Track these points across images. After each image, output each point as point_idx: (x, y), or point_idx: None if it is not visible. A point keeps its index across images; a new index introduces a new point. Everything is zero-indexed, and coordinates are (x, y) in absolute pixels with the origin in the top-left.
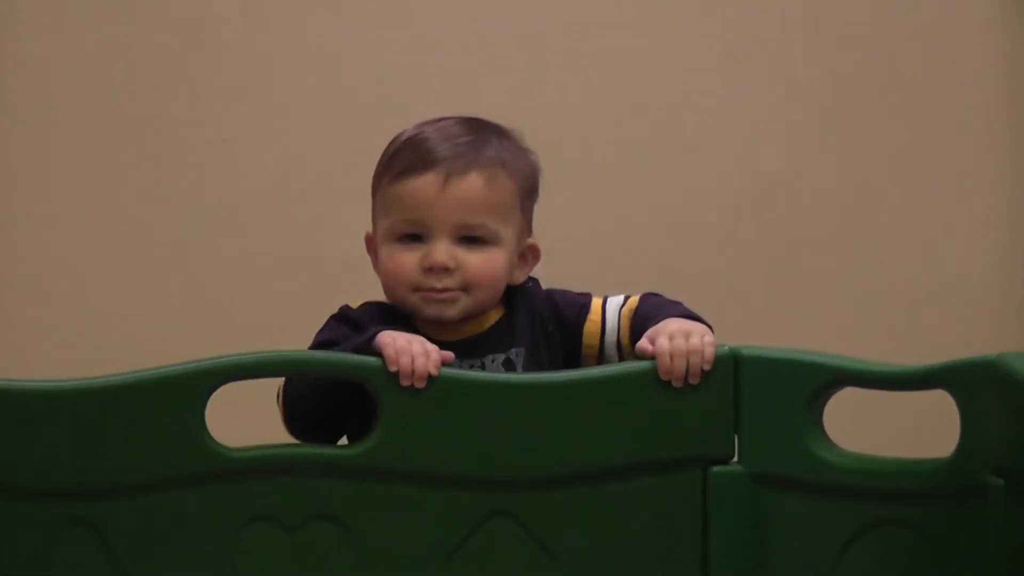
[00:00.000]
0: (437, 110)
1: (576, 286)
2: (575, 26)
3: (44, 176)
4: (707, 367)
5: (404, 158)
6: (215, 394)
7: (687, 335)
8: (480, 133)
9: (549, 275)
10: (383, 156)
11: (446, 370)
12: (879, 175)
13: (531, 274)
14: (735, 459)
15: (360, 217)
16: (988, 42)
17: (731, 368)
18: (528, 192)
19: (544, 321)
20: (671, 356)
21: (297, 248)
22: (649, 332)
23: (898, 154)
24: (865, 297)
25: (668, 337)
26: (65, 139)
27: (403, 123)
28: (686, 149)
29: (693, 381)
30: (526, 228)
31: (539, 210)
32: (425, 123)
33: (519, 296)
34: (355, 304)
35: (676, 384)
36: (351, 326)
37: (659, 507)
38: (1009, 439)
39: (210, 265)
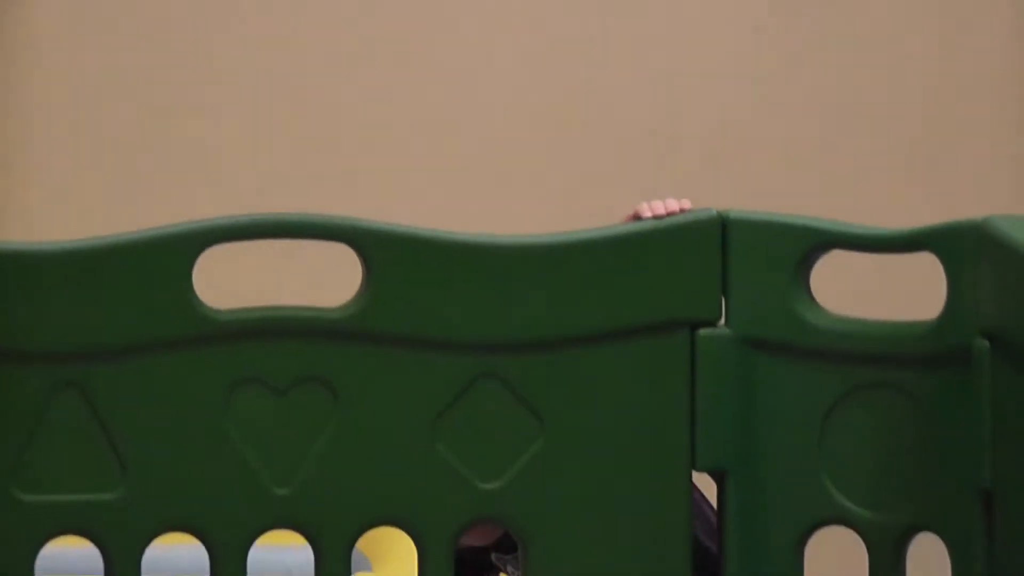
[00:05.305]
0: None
1: None
2: None
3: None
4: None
5: None
6: (205, 258)
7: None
8: None
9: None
10: None
11: (432, 232)
12: None
13: None
14: (722, 322)
15: None
16: None
17: (718, 232)
18: None
19: None
20: (651, 207)
21: None
22: None
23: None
24: None
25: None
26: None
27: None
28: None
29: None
30: None
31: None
32: None
33: None
34: None
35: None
36: None
37: (646, 369)
38: (995, 301)
39: None
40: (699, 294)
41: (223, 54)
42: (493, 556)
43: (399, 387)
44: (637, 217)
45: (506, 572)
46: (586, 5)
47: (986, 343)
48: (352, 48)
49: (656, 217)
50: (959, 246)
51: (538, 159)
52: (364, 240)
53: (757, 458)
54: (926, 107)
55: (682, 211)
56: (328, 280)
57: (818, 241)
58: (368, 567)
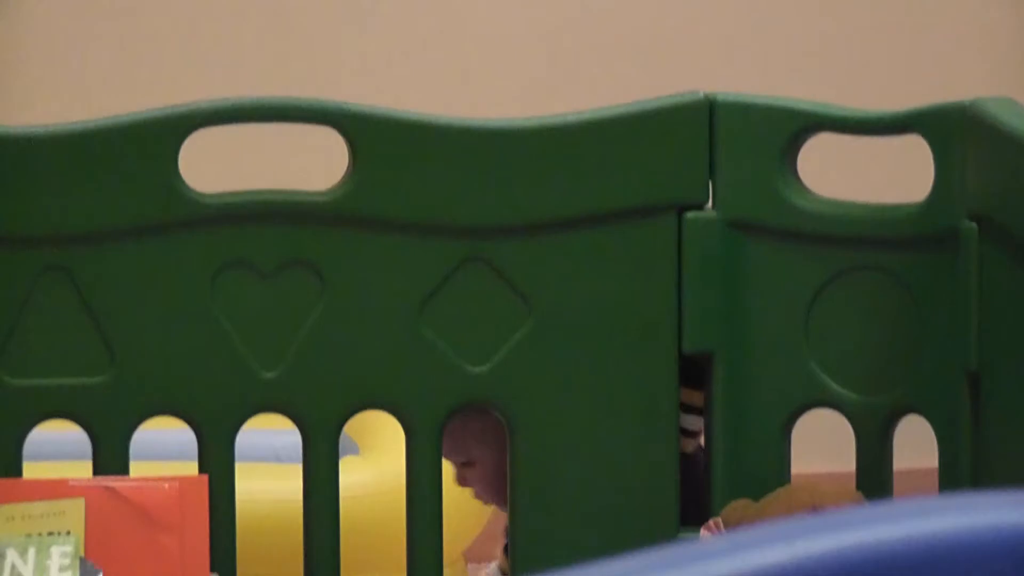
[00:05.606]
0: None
1: None
2: None
3: None
4: None
5: None
6: (191, 145)
7: None
8: None
9: None
10: None
11: (419, 115)
12: None
13: None
14: (710, 205)
15: None
16: None
17: (706, 114)
18: None
19: None
20: None
21: None
22: None
23: None
24: None
25: None
26: None
27: None
28: None
29: None
30: None
31: None
32: None
33: None
34: None
35: None
36: None
37: (634, 252)
38: (982, 184)
39: None
40: (686, 177)
41: None
42: None
43: (386, 271)
44: None
45: None
46: None
47: (973, 226)
48: None
49: None
50: (947, 128)
51: (527, 46)
52: (350, 123)
53: (743, 341)
54: None
55: None
56: (315, 165)
57: (805, 123)
58: (356, 451)
